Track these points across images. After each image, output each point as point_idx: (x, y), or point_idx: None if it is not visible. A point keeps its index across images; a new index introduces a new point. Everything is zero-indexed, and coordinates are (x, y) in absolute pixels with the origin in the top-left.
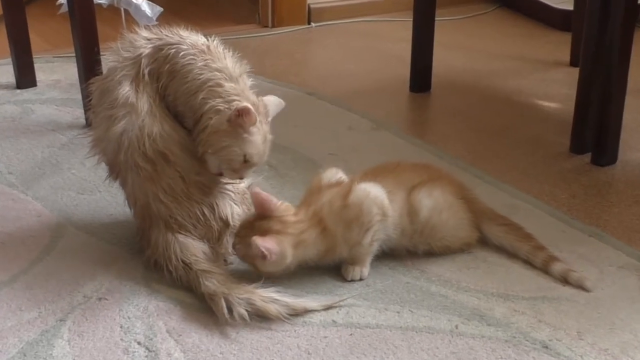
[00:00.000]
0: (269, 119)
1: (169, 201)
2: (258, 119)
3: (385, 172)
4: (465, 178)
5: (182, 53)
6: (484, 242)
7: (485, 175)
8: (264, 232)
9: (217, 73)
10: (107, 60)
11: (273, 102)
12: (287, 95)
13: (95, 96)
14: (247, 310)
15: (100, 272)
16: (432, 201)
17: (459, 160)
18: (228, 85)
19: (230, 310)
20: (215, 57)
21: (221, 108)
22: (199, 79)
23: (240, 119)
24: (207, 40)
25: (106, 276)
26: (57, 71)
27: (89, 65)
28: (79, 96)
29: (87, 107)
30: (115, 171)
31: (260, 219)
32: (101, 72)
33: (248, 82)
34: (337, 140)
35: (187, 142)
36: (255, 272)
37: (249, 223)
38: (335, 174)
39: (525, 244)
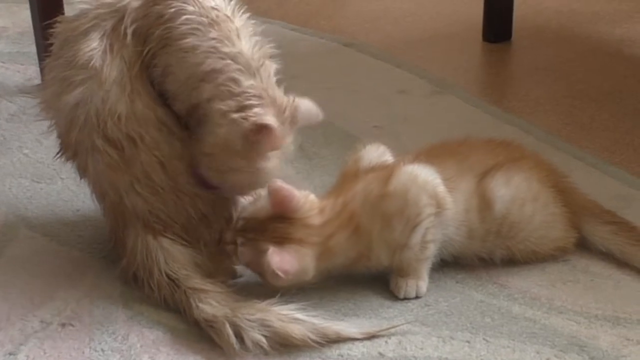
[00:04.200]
0: (295, 127)
1: (147, 193)
2: (282, 145)
3: (447, 152)
4: (559, 159)
5: (184, 17)
6: (584, 246)
7: (587, 155)
8: (281, 240)
9: (230, 62)
10: (79, 0)
11: (306, 110)
12: (317, 46)
13: (57, 43)
14: (264, 335)
15: (63, 289)
16: (510, 190)
17: (551, 135)
18: (246, 82)
19: (240, 338)
20: (225, 35)
21: (235, 117)
22: (205, 64)
23: (259, 136)
24: (224, 1)
25: (72, 294)
26: (3, 15)
27: (46, 7)
28: (33, 48)
29: (44, 61)
30: (70, 150)
31: (277, 220)
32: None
33: (272, 68)
34: (385, 107)
35: (169, 121)
36: (263, 283)
37: (261, 222)
38: (379, 153)
39: None
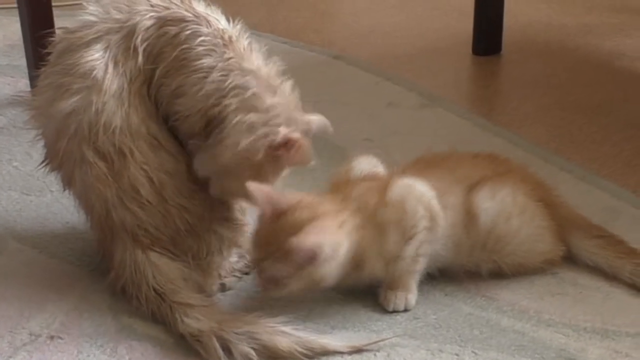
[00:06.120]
0: None
1: (135, 207)
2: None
3: (433, 166)
4: (547, 172)
5: (200, 39)
6: (572, 260)
7: (576, 167)
8: (294, 230)
9: (251, 79)
10: (85, 11)
11: (319, 126)
12: (306, 59)
13: (55, 53)
14: (252, 348)
15: (52, 301)
16: (495, 204)
17: (539, 148)
18: (269, 100)
19: (227, 351)
20: (239, 54)
21: (263, 131)
22: (227, 82)
23: (282, 151)
24: (229, 24)
25: (60, 307)
26: None
27: (36, 20)
28: (23, 61)
29: (34, 76)
30: (56, 160)
31: (277, 220)
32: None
33: (288, 87)
34: (374, 120)
35: (160, 136)
36: (313, 292)
37: (268, 235)
38: (371, 165)
39: (628, 261)
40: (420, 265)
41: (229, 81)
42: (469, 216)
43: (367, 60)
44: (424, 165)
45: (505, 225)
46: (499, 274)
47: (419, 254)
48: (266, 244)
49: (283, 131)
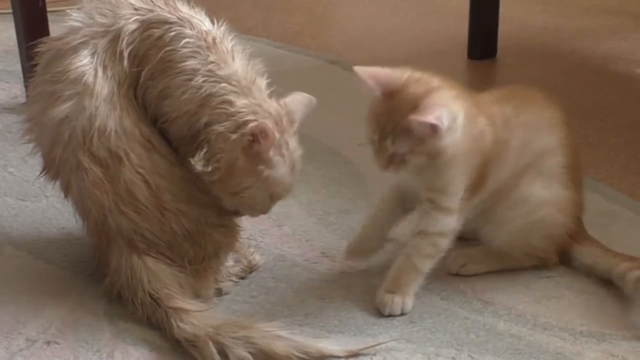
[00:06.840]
0: (295, 126)
1: (131, 212)
2: (277, 138)
3: (535, 99)
4: None
5: (184, 40)
6: (568, 263)
7: None
8: (412, 106)
9: (224, 85)
10: (70, 18)
11: (300, 103)
12: (302, 64)
13: (42, 62)
14: (249, 352)
15: (48, 307)
16: (559, 191)
17: None
18: (239, 102)
19: (224, 356)
20: (222, 57)
21: (234, 137)
22: (203, 89)
23: (256, 145)
24: (213, 26)
25: (57, 312)
26: None
27: (31, 26)
28: (18, 67)
29: (29, 81)
30: (53, 169)
31: (391, 98)
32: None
33: (263, 84)
34: None
35: (153, 139)
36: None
37: (385, 114)
38: None
39: (631, 262)
40: (428, 267)
41: (204, 88)
42: (533, 171)
43: (363, 64)
44: (526, 94)
45: (548, 211)
46: (496, 277)
47: (438, 249)
48: (384, 123)
49: (250, 127)
